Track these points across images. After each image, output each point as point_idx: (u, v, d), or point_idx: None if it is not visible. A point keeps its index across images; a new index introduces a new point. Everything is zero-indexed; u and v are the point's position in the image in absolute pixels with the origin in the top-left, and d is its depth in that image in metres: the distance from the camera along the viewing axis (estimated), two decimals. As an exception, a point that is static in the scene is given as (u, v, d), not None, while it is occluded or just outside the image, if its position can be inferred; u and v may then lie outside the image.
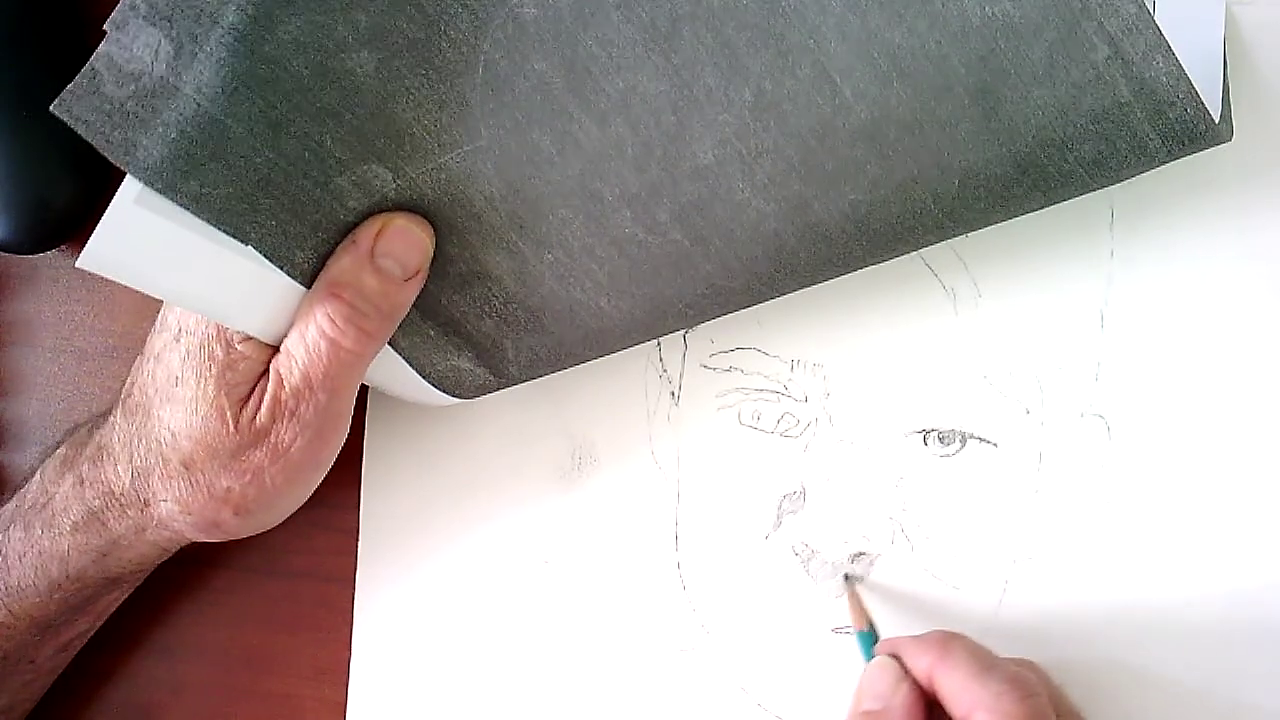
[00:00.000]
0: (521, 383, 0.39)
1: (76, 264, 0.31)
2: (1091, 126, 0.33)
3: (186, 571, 0.44)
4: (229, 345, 0.34)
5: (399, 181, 0.34)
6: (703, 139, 0.33)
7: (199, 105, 0.31)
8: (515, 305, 0.37)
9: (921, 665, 0.33)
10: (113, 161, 0.31)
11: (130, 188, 0.31)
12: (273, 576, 0.44)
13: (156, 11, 0.30)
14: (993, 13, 0.31)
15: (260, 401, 0.34)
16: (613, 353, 0.39)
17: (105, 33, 0.30)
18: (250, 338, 0.34)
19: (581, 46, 0.32)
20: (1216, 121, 0.33)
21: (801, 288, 0.37)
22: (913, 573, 0.39)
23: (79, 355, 0.47)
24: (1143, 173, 0.35)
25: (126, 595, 0.42)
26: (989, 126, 0.33)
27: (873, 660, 0.35)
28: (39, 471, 0.39)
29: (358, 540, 0.44)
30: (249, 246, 0.33)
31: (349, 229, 0.34)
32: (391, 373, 0.38)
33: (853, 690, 0.35)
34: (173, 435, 0.35)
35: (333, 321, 0.34)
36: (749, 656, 0.40)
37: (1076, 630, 0.38)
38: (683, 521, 0.41)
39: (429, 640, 0.43)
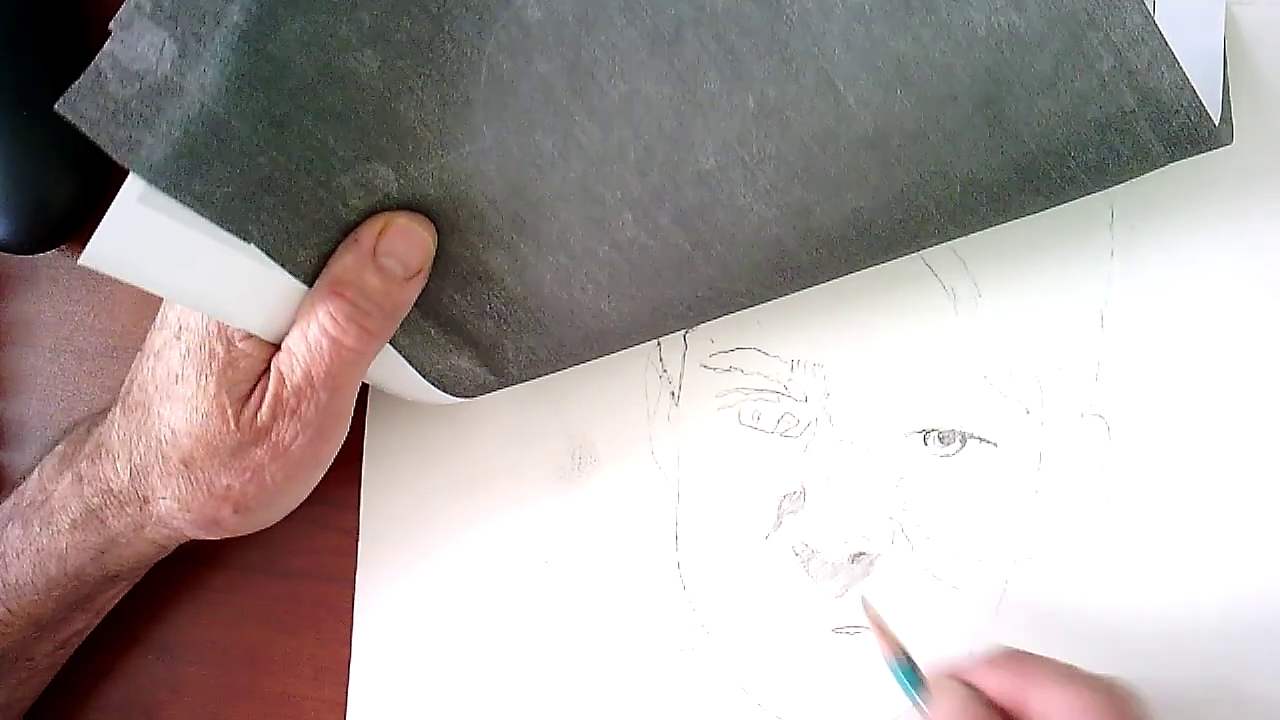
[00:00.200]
0: (521, 382, 0.39)
1: (79, 262, 0.31)
2: (1095, 135, 0.33)
3: (186, 571, 0.44)
4: (230, 343, 0.34)
5: (401, 181, 0.34)
6: (705, 144, 0.33)
7: (203, 104, 0.31)
8: (516, 305, 0.37)
9: (998, 686, 0.32)
10: (117, 160, 0.30)
11: (134, 186, 0.31)
12: (273, 576, 0.44)
13: (161, 11, 0.30)
14: (998, 23, 0.31)
15: (262, 399, 0.34)
16: (613, 353, 0.39)
17: (110, 32, 0.30)
18: (251, 336, 0.34)
19: (585, 49, 0.32)
20: (1217, 125, 0.33)
21: (802, 289, 0.37)
22: (913, 573, 0.39)
23: (79, 355, 0.47)
24: (1143, 174, 0.35)
25: (125, 593, 0.42)
26: (993, 135, 0.33)
27: (947, 690, 0.33)
28: (37, 469, 0.39)
29: (358, 540, 0.44)
30: (251, 245, 0.33)
31: (351, 228, 0.34)
32: (391, 371, 0.38)
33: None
34: (173, 432, 0.35)
35: (335, 320, 0.34)
36: (749, 656, 0.40)
37: (1076, 630, 0.38)
38: (683, 521, 0.41)
39: (429, 640, 0.43)
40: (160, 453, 0.35)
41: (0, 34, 0.43)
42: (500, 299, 0.37)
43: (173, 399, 0.35)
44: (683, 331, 0.42)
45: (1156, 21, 0.31)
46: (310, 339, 0.34)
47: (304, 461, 0.36)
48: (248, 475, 0.35)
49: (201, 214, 0.32)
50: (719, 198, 0.34)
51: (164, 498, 0.36)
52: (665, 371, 0.42)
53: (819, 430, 0.40)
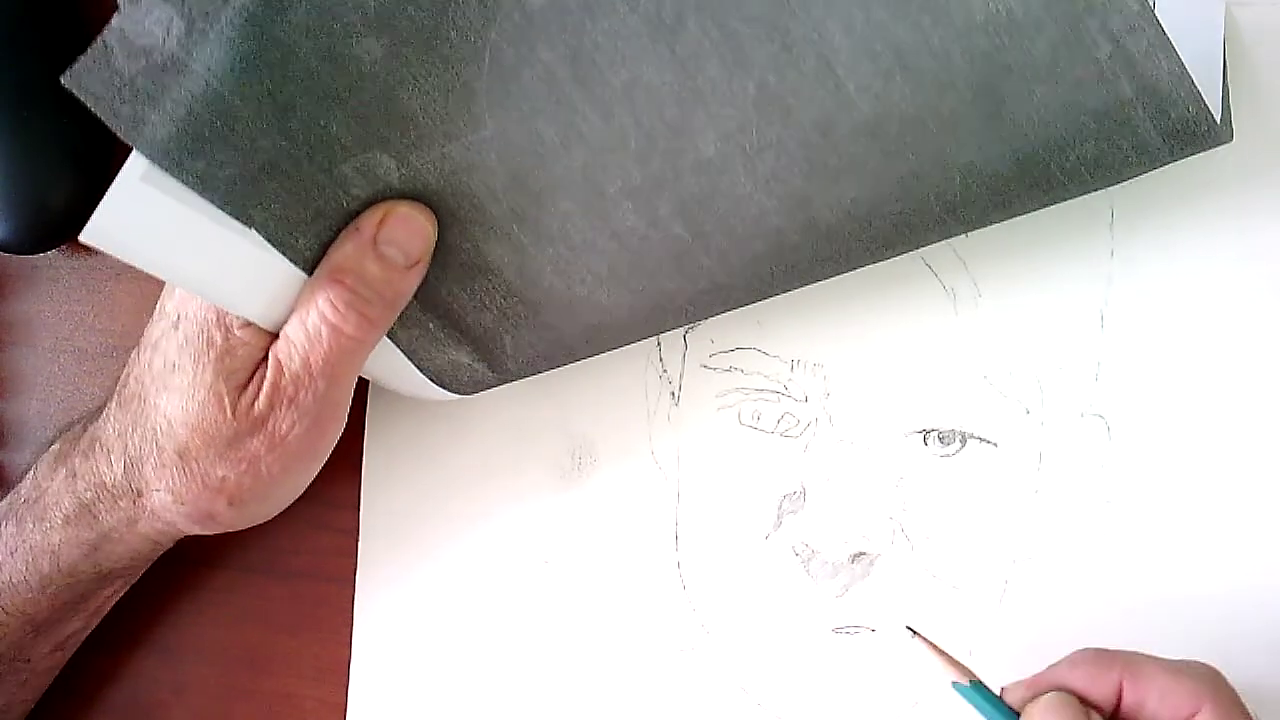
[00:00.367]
0: (519, 379, 0.39)
1: (79, 238, 0.31)
2: (1093, 125, 0.33)
3: (186, 571, 0.44)
4: (228, 331, 0.34)
5: (403, 170, 0.34)
6: (705, 132, 0.33)
7: (208, 84, 0.31)
8: (515, 298, 0.37)
9: (1083, 684, 0.32)
10: (121, 137, 0.30)
11: (136, 164, 0.31)
12: (273, 576, 0.44)
13: None
14: (996, 9, 0.31)
15: (259, 388, 0.34)
16: (611, 349, 0.39)
17: (117, 6, 0.30)
18: (249, 324, 0.34)
19: (587, 37, 0.32)
20: (1218, 122, 0.33)
21: (802, 285, 0.37)
22: (913, 573, 0.39)
23: (79, 355, 0.47)
24: (1144, 173, 0.35)
25: (121, 593, 0.42)
26: (991, 123, 0.33)
27: (1047, 701, 0.32)
28: (33, 468, 0.39)
29: (358, 540, 0.43)
30: (252, 230, 0.33)
31: (352, 216, 0.34)
32: (389, 366, 0.38)
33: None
34: (169, 423, 0.35)
35: (334, 307, 0.34)
36: (749, 656, 0.40)
37: (1076, 630, 0.38)
38: (683, 521, 0.41)
39: (429, 640, 0.43)
40: (155, 443, 0.35)
41: (0, 34, 0.43)
42: (499, 291, 0.37)
43: (169, 388, 0.35)
44: (683, 331, 0.42)
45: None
46: (309, 326, 0.34)
47: (300, 453, 0.35)
48: (243, 466, 0.35)
49: (203, 195, 0.32)
50: (719, 187, 0.34)
51: (158, 490, 0.36)
52: (665, 371, 0.42)
53: (819, 430, 0.40)
